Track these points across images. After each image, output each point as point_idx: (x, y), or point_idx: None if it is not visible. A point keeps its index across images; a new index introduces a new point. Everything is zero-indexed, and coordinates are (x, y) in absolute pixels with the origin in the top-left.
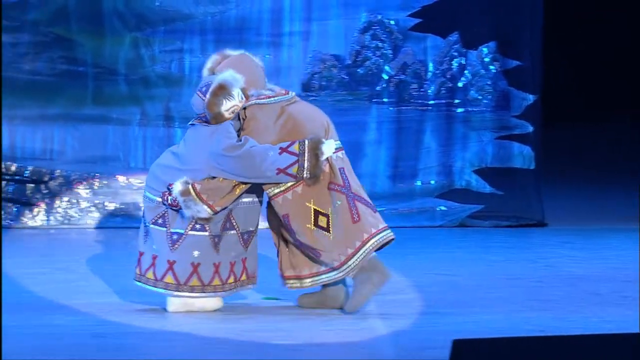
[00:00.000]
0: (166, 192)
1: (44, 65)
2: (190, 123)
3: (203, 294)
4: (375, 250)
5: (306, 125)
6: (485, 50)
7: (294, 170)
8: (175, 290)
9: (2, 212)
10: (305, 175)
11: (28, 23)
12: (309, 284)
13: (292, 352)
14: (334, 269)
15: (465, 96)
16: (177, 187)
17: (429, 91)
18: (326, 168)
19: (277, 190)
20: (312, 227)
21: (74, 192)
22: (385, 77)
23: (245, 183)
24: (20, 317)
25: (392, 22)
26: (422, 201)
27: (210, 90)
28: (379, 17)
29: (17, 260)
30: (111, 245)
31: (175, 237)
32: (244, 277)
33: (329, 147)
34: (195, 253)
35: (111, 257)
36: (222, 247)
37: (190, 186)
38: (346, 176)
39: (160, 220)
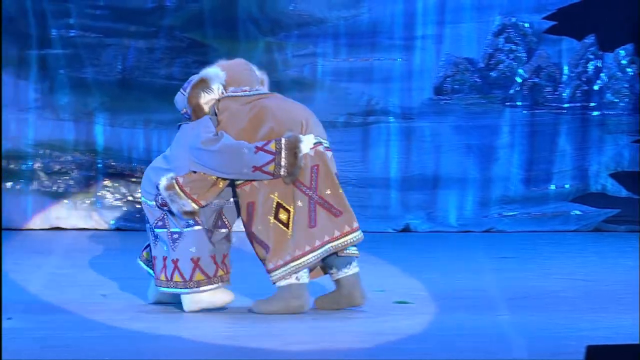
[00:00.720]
0: (158, 193)
1: (179, 70)
2: (178, 124)
3: (209, 287)
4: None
5: (276, 113)
6: (622, 52)
7: (270, 168)
8: (184, 288)
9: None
10: (282, 173)
11: (164, 28)
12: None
13: (424, 355)
14: (278, 267)
15: (601, 99)
16: (162, 182)
17: (564, 94)
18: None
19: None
20: (272, 219)
21: None
22: (519, 80)
23: (226, 179)
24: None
25: (527, 25)
26: (556, 205)
27: (192, 83)
28: (513, 19)
29: None
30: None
31: (176, 236)
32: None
33: (307, 144)
34: (193, 249)
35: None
36: (214, 241)
37: (174, 180)
38: (316, 176)
39: (160, 223)
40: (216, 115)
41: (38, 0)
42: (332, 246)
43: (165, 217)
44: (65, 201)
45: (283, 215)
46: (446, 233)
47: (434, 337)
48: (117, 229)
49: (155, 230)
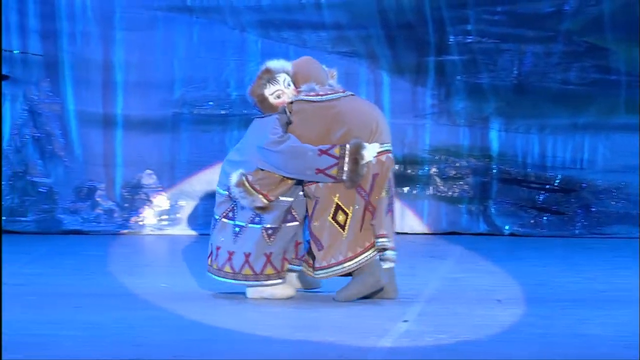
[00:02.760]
0: (229, 184)
1: (576, 74)
2: (252, 118)
3: (256, 282)
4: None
5: (349, 119)
6: None
7: (333, 172)
8: (233, 278)
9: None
10: (344, 178)
11: (561, 33)
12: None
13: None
14: (328, 267)
15: None
16: (233, 178)
17: None
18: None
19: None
20: (330, 219)
21: (603, 202)
22: None
23: (291, 178)
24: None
25: None
26: None
27: (257, 75)
28: None
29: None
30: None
31: (237, 229)
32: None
33: (371, 152)
34: (250, 243)
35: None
36: (277, 239)
37: (244, 177)
38: (374, 183)
39: (230, 214)
40: (286, 114)
41: (437, 8)
42: (377, 246)
43: (235, 208)
44: (460, 206)
45: (341, 217)
46: None
47: None
48: (512, 234)
49: (222, 220)
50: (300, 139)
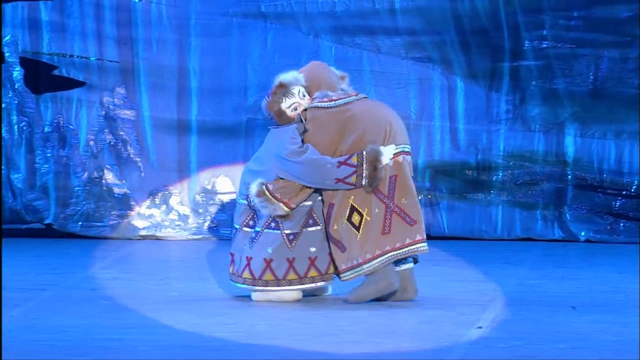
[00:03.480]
0: (249, 194)
1: None
2: (268, 127)
3: (278, 287)
4: (399, 260)
5: (363, 122)
6: None
7: (352, 179)
8: (252, 285)
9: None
10: (364, 184)
11: (639, 37)
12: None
13: None
14: (350, 268)
15: None
16: (253, 189)
17: None
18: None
19: None
20: (345, 221)
21: None
22: None
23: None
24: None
25: None
26: None
27: (271, 90)
28: None
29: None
30: None
31: (253, 235)
32: (331, 269)
33: (387, 155)
34: (269, 249)
35: None
36: (298, 244)
37: (264, 187)
38: (394, 185)
39: (251, 222)
40: (302, 122)
41: (512, 13)
42: (402, 252)
43: (255, 216)
44: (535, 212)
45: (355, 218)
46: None
47: None
48: (587, 241)
49: (243, 229)
50: (316, 146)
